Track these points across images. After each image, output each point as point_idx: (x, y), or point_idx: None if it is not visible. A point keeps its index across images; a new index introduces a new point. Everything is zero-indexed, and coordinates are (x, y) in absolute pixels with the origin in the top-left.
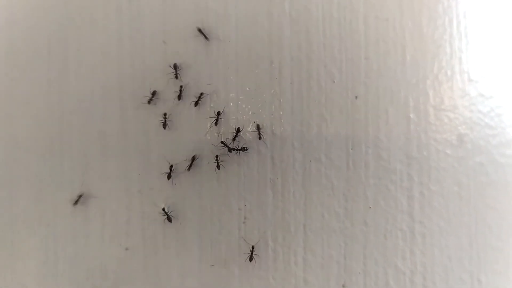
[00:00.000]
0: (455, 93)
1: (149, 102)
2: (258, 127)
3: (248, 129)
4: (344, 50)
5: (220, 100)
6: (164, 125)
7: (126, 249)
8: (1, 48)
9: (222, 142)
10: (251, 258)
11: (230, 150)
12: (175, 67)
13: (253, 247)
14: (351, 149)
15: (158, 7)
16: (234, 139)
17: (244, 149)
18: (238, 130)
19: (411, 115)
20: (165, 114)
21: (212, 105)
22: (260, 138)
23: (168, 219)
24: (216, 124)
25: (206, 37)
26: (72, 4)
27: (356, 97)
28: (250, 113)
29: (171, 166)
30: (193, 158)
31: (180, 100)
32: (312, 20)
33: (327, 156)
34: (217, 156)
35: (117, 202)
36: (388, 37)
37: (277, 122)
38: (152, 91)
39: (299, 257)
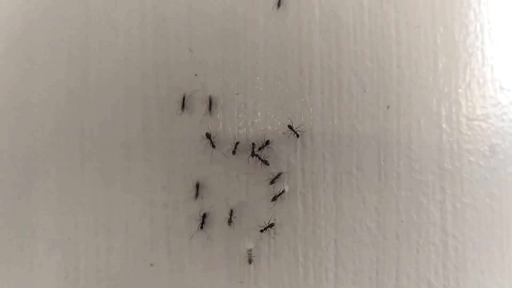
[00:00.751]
0: (487, 102)
1: (182, 108)
2: (290, 127)
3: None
4: (376, 58)
5: (249, 110)
6: (213, 145)
7: (151, 265)
8: (20, 55)
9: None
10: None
11: (253, 155)
12: (208, 136)
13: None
14: (383, 160)
15: (184, 14)
16: (260, 148)
17: (265, 162)
18: (267, 142)
19: (444, 125)
20: (208, 135)
21: (240, 115)
22: (297, 136)
23: (201, 227)
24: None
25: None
26: (94, 9)
27: (388, 107)
28: (279, 123)
29: (197, 185)
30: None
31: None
32: (342, 27)
33: (358, 168)
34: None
35: (141, 216)
36: (420, 44)
37: (307, 132)
38: (182, 96)
39: (330, 273)
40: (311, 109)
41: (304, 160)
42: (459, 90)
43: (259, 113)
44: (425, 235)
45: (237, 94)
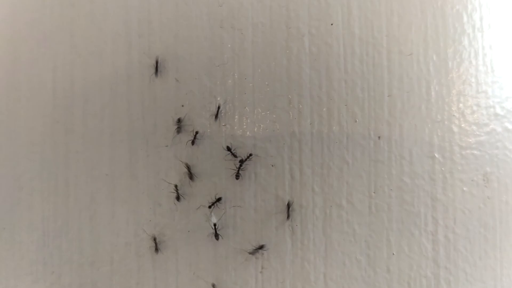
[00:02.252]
0: (481, 130)
1: (178, 131)
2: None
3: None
4: (367, 87)
5: (237, 141)
6: (193, 141)
7: None
8: (3, 83)
9: (228, 149)
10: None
11: (235, 156)
12: (229, 149)
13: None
14: (374, 192)
15: (170, 43)
16: (242, 162)
17: (244, 160)
18: (249, 155)
19: (436, 155)
20: (197, 132)
21: (230, 146)
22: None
23: (215, 237)
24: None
25: (234, 155)
26: (78, 38)
27: (379, 137)
28: (267, 155)
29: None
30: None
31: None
32: (332, 56)
33: (348, 201)
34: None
35: (127, 249)
36: (412, 73)
37: (296, 164)
38: (177, 118)
39: None
40: (300, 141)
41: (292, 192)
42: (452, 119)
43: (247, 145)
44: (417, 268)
45: (224, 125)
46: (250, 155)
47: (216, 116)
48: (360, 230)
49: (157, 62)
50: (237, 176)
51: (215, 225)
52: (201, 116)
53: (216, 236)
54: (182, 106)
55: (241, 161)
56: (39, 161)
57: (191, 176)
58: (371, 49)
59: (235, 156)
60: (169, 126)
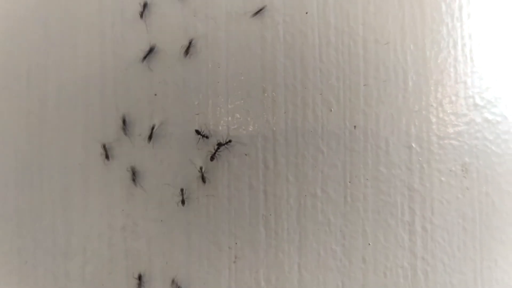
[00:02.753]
0: (460, 120)
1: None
2: (198, 132)
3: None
4: (342, 76)
5: (210, 130)
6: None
7: None
8: None
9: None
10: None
11: (206, 137)
12: (198, 132)
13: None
14: (349, 182)
15: (143, 31)
16: (220, 145)
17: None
18: (228, 141)
19: (413, 144)
20: (182, 190)
21: (199, 137)
22: (207, 137)
23: (182, 202)
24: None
25: (205, 137)
26: (52, 28)
27: (354, 127)
28: (241, 144)
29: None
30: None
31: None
32: (307, 45)
33: (323, 190)
34: (201, 168)
35: (100, 239)
36: (389, 62)
37: (270, 154)
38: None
39: None
40: (274, 130)
41: (266, 182)
42: (430, 108)
43: (220, 134)
44: (393, 258)
45: (197, 114)
46: (230, 141)
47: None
48: (335, 220)
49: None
50: (212, 158)
51: (201, 168)
52: (175, 106)
53: (203, 178)
54: (155, 95)
55: (219, 144)
56: (13, 151)
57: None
58: (347, 38)
59: (206, 137)
60: (142, 116)
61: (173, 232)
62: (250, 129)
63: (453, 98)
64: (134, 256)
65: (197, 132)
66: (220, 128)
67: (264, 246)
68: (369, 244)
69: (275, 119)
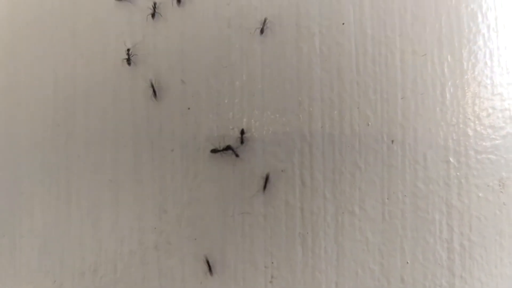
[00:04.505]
0: (496, 133)
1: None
2: (242, 132)
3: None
4: (379, 89)
5: (245, 145)
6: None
7: None
8: (3, 85)
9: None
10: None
11: (225, 149)
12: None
13: None
14: (387, 198)
15: (176, 43)
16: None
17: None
18: (242, 132)
19: (451, 159)
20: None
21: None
22: (242, 142)
23: (154, 94)
24: (241, 142)
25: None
26: (81, 38)
27: (392, 141)
28: (277, 160)
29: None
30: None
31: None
32: (344, 56)
33: (361, 207)
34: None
35: (131, 257)
36: (426, 74)
37: (307, 170)
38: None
39: None
40: (311, 145)
41: (303, 199)
42: (467, 122)
43: (256, 148)
44: (432, 277)
45: (232, 129)
46: (242, 130)
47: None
48: (373, 238)
49: (152, 86)
50: (215, 151)
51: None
52: (208, 119)
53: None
54: (189, 108)
55: (228, 148)
56: (40, 165)
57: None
58: (384, 49)
59: (224, 149)
60: (174, 130)
61: (208, 251)
62: (286, 144)
63: (490, 110)
64: (167, 276)
65: (214, 151)
66: (255, 142)
67: (301, 265)
68: (407, 262)
69: (311, 133)
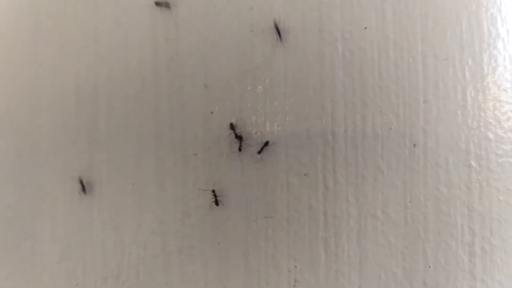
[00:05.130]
0: None
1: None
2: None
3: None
4: (401, 93)
5: (268, 150)
6: (216, 202)
7: None
8: (26, 90)
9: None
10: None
11: (237, 137)
12: (232, 127)
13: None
14: (409, 202)
15: (199, 48)
16: (238, 136)
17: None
18: (266, 144)
19: (473, 163)
20: (213, 191)
21: (258, 156)
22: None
23: (215, 203)
24: (240, 145)
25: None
26: (103, 41)
27: (414, 145)
28: (300, 164)
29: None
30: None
31: (241, 151)
32: (366, 61)
33: (383, 211)
34: (213, 191)
35: (154, 262)
36: (448, 78)
37: (330, 174)
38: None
39: None
40: (334, 149)
41: (326, 203)
42: (488, 126)
43: (278, 152)
44: (454, 280)
45: (255, 133)
46: (267, 143)
47: (240, 148)
48: (396, 242)
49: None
50: (240, 149)
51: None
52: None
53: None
54: (212, 113)
55: (239, 138)
56: (62, 170)
57: (216, 202)
58: (406, 53)
59: (238, 137)
60: (197, 134)
61: (231, 255)
62: (309, 148)
63: (510, 114)
64: (190, 280)
65: (232, 126)
66: (278, 146)
67: (324, 269)
68: (430, 266)
69: (334, 137)
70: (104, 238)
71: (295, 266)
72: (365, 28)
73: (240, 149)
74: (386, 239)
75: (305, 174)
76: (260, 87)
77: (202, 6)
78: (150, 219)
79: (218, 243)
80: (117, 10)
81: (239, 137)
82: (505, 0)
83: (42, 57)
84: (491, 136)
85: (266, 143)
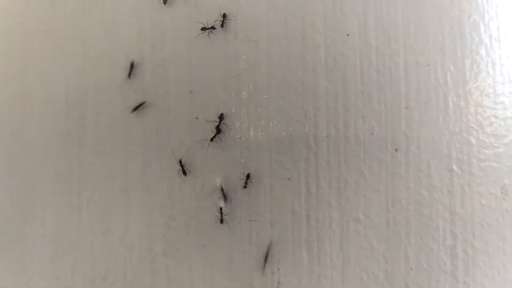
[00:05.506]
0: (499, 141)
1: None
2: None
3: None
4: (384, 99)
5: (252, 155)
6: (184, 171)
7: None
8: (16, 95)
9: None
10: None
11: (217, 128)
12: (221, 118)
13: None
14: (391, 206)
15: (184, 54)
16: (218, 128)
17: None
18: (221, 117)
19: (454, 167)
20: (180, 161)
21: (242, 160)
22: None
23: (183, 172)
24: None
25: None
26: (91, 47)
27: (396, 150)
28: (283, 169)
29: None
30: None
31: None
32: (349, 67)
33: (365, 215)
34: (220, 209)
35: (140, 264)
36: (429, 84)
37: (313, 178)
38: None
39: None
40: (316, 154)
41: (309, 207)
42: (470, 130)
43: (262, 157)
44: (435, 283)
45: (239, 138)
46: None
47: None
48: (378, 245)
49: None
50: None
51: (221, 209)
52: (213, 128)
53: (221, 220)
54: (196, 118)
55: (219, 131)
56: (52, 174)
57: (184, 172)
58: (388, 59)
59: (218, 129)
60: (183, 139)
61: (215, 258)
62: (292, 153)
63: (493, 119)
64: (176, 282)
65: (221, 116)
66: (262, 151)
67: (307, 272)
68: (412, 269)
69: (317, 142)
70: (93, 240)
71: (278, 269)
72: (348, 35)
73: (211, 139)
74: (368, 242)
75: (288, 179)
76: (244, 92)
77: (187, 13)
78: (137, 222)
79: (203, 246)
80: (104, 16)
81: (218, 130)
82: (487, 6)
83: (32, 62)
84: (473, 141)
85: (248, 176)
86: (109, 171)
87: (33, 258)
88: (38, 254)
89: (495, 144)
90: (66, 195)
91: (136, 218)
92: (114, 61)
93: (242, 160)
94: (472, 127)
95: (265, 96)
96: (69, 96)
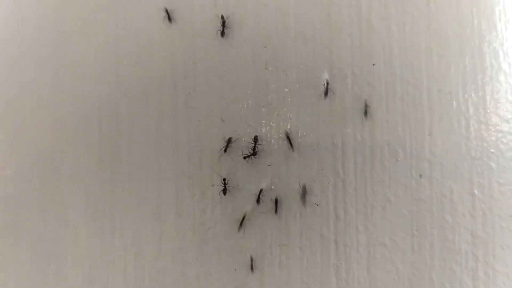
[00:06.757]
0: None
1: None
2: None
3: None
4: (408, 126)
5: (282, 182)
6: (225, 191)
7: None
8: (49, 121)
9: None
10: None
11: (253, 150)
12: (256, 140)
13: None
14: (416, 230)
15: (216, 83)
16: (253, 150)
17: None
18: (255, 139)
19: (476, 192)
20: (224, 180)
21: (273, 187)
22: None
23: (223, 192)
24: (225, 151)
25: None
26: (124, 76)
27: (420, 176)
28: (312, 195)
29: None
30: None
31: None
32: (374, 96)
33: (391, 239)
34: (224, 180)
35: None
36: (451, 111)
37: (341, 204)
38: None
39: None
40: (344, 180)
41: (337, 231)
42: (490, 155)
43: (292, 184)
44: None
45: (269, 165)
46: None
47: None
48: (403, 269)
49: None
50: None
51: (224, 180)
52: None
53: (224, 191)
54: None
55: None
56: (85, 198)
57: (224, 191)
58: (412, 88)
59: (254, 152)
60: (214, 166)
61: (247, 281)
62: (321, 180)
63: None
64: None
65: (255, 139)
66: (291, 178)
67: None
68: None
69: (344, 169)
70: (126, 263)
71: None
72: (373, 64)
73: (245, 158)
74: (394, 266)
75: (317, 204)
76: (273, 121)
77: (219, 44)
78: (170, 246)
79: (235, 270)
80: (137, 47)
81: (254, 152)
82: (507, 35)
83: (66, 90)
84: (493, 165)
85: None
86: (142, 197)
87: (66, 280)
88: (72, 276)
89: None
90: (99, 218)
91: (168, 242)
92: (146, 90)
93: (273, 187)
94: (492, 152)
95: (294, 125)
96: (102, 123)
